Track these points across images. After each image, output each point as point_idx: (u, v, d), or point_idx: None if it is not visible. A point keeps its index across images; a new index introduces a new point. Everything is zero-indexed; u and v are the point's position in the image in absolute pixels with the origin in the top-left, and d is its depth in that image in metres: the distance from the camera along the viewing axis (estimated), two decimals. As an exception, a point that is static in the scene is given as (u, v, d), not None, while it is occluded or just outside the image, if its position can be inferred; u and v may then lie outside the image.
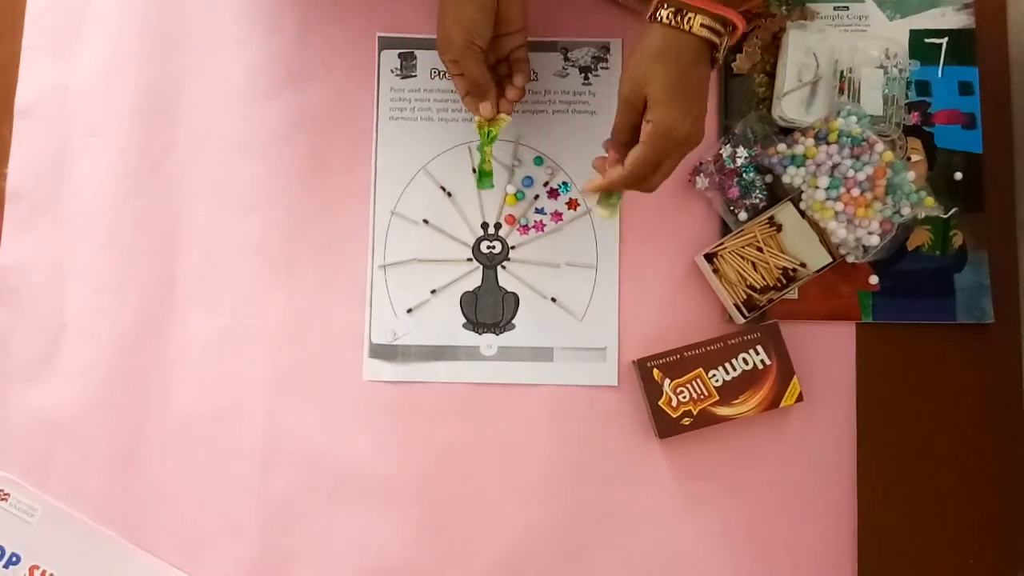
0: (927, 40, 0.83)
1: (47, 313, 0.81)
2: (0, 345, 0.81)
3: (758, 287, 0.79)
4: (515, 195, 0.82)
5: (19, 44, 0.83)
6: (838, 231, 0.77)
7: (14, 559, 0.77)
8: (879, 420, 0.79)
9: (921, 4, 0.83)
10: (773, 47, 0.82)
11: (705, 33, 0.62)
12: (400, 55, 0.84)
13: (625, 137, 0.67)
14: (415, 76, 0.83)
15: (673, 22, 0.62)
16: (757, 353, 0.78)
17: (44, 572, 0.77)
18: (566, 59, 0.83)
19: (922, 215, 0.79)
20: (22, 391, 0.80)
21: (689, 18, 0.62)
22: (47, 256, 0.81)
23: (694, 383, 0.77)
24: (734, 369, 0.78)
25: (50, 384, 0.80)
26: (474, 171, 0.82)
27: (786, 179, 0.79)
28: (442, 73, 0.83)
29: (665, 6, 0.62)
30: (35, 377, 0.80)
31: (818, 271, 0.79)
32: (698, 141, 0.66)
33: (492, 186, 0.82)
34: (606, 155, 0.69)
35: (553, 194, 0.82)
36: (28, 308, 0.81)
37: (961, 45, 0.83)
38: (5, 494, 0.78)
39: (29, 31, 0.84)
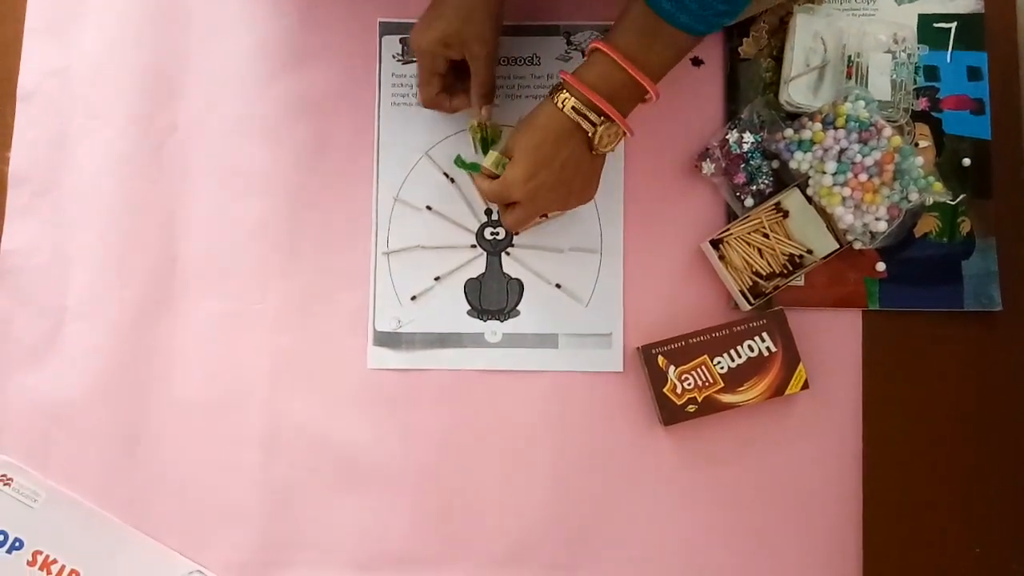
0: (936, 25, 0.82)
1: (49, 297, 0.81)
2: (1, 329, 0.81)
3: (764, 274, 0.78)
4: (519, 181, 0.82)
5: (21, 26, 0.83)
6: (845, 217, 0.77)
7: (17, 544, 0.77)
8: (885, 408, 0.79)
9: (930, -12, 0.82)
10: (780, 31, 0.81)
11: (574, 116, 0.67)
12: (402, 40, 0.83)
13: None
14: (416, 61, 0.83)
15: (555, 98, 0.68)
16: (763, 340, 0.77)
17: (47, 557, 0.77)
18: (568, 43, 0.83)
19: (930, 201, 0.79)
20: (24, 375, 0.80)
21: (565, 99, 0.67)
22: (48, 239, 0.81)
23: (699, 370, 0.77)
24: (739, 356, 0.77)
25: (52, 368, 0.80)
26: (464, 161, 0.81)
27: (793, 164, 0.78)
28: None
29: (562, 88, 0.68)
30: (37, 361, 0.80)
31: (825, 258, 0.78)
32: (543, 208, 0.72)
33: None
34: None
35: (557, 180, 0.82)
36: (30, 292, 0.81)
37: (970, 30, 0.82)
38: (8, 479, 0.78)
39: (31, 13, 0.83)
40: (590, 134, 0.67)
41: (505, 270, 0.81)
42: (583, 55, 0.82)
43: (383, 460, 0.79)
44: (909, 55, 0.80)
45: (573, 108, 0.66)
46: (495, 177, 0.72)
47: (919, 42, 0.81)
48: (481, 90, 0.75)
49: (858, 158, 0.76)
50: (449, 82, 0.75)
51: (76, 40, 0.83)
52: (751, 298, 0.78)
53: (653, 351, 0.77)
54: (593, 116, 0.67)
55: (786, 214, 0.79)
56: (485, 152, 0.81)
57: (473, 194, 0.82)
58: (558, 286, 0.81)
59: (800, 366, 0.77)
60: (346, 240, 0.81)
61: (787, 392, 0.77)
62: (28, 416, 0.80)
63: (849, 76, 0.79)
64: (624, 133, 0.69)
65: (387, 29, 0.83)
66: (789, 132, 0.78)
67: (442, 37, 0.71)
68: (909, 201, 0.78)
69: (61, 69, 0.83)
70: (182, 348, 0.80)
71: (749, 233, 0.79)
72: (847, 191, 0.77)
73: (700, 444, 0.79)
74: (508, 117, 0.81)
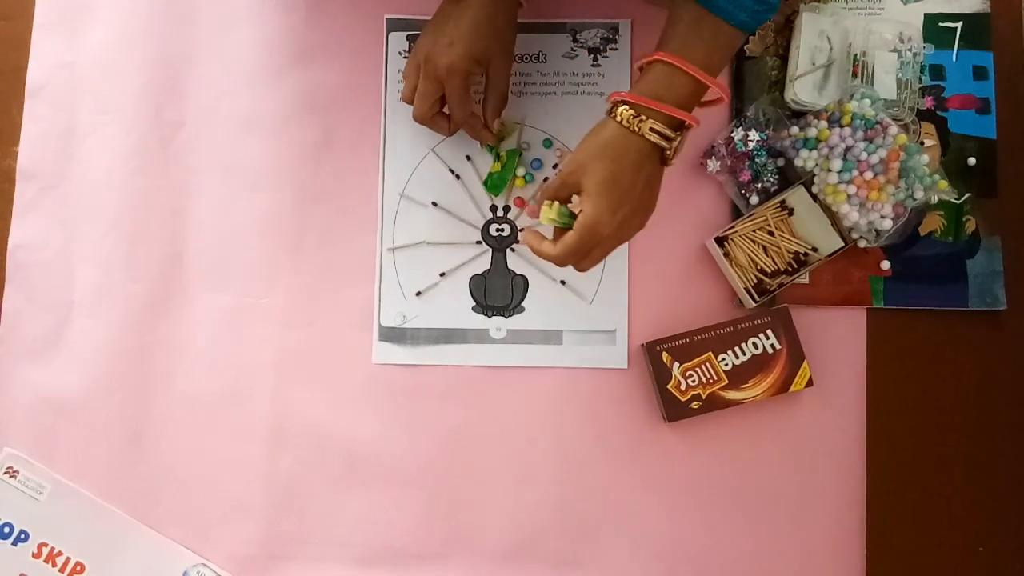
0: (941, 24, 0.82)
1: (55, 291, 0.81)
2: (9, 323, 0.81)
3: (769, 271, 0.78)
4: (524, 177, 0.82)
5: (30, 23, 0.84)
6: (850, 214, 0.77)
7: (23, 536, 0.77)
8: (889, 406, 0.79)
9: (936, -13, 0.82)
10: (786, 30, 0.81)
11: (654, 138, 0.62)
12: (408, 37, 0.83)
13: (551, 196, 0.66)
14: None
15: (625, 121, 0.62)
16: (767, 337, 0.77)
17: (52, 549, 0.77)
18: (575, 40, 0.83)
19: (935, 199, 0.79)
20: (30, 369, 0.80)
21: (641, 120, 0.62)
22: (56, 234, 0.82)
23: (703, 367, 0.77)
24: (744, 353, 0.77)
25: (58, 362, 0.80)
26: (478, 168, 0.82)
27: (798, 162, 0.79)
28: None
29: (624, 105, 0.63)
30: (43, 355, 0.80)
31: (830, 255, 0.78)
32: (626, 238, 0.66)
33: (499, 192, 0.82)
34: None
35: (563, 176, 0.82)
36: (37, 286, 0.81)
37: (976, 29, 0.82)
38: (14, 471, 0.79)
39: (40, 9, 0.84)
40: (668, 150, 0.64)
41: (510, 266, 0.81)
42: (589, 53, 0.82)
43: (388, 455, 0.79)
44: (915, 54, 0.80)
45: (652, 130, 0.62)
46: (564, 227, 0.66)
47: (925, 41, 0.82)
48: (499, 103, 0.75)
49: (863, 156, 0.76)
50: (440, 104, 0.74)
51: (85, 35, 0.84)
52: (756, 295, 0.78)
53: (657, 348, 0.77)
54: (672, 132, 0.63)
55: (791, 212, 0.79)
56: (491, 150, 0.81)
57: (478, 191, 0.82)
58: (563, 283, 0.81)
59: (804, 364, 0.77)
60: (352, 236, 0.82)
61: (791, 389, 0.77)
62: (35, 410, 0.80)
63: (855, 75, 0.79)
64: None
65: (394, 26, 0.83)
66: (795, 130, 0.79)
67: (473, 54, 0.70)
68: (914, 199, 0.78)
69: (69, 64, 0.83)
70: (188, 343, 0.81)
71: (754, 231, 0.79)
72: (852, 189, 0.77)
73: (704, 441, 0.79)
74: (514, 114, 0.82)
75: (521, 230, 0.82)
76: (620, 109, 0.63)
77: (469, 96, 0.73)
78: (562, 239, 0.64)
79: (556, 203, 0.65)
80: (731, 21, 0.62)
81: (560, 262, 0.65)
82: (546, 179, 0.82)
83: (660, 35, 0.64)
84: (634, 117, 0.62)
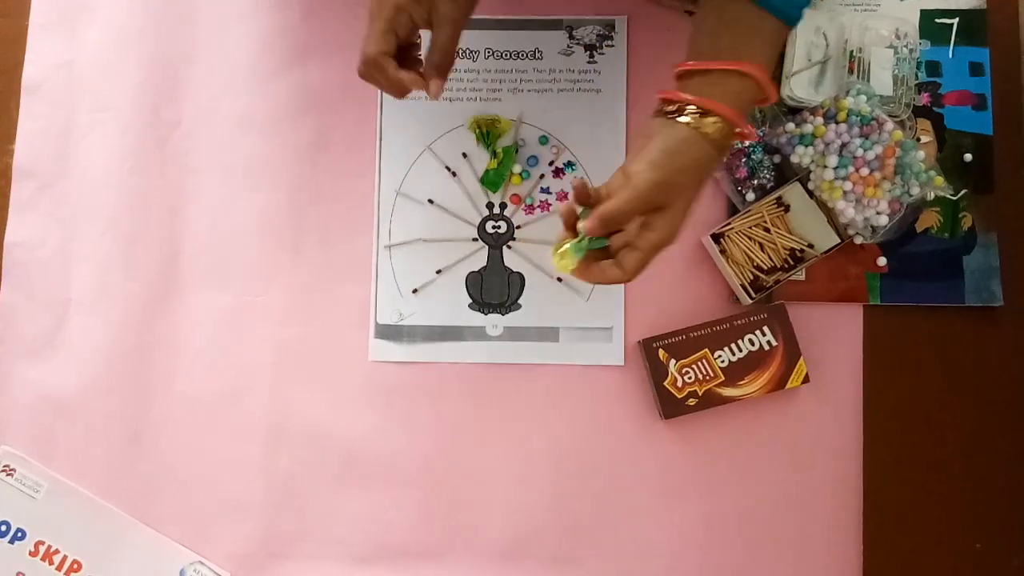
0: (938, 20, 0.82)
1: (53, 290, 0.81)
2: (6, 321, 0.81)
3: (765, 268, 0.78)
4: (520, 174, 0.82)
5: (26, 21, 0.84)
6: (847, 211, 0.77)
7: (19, 534, 0.78)
8: (886, 403, 0.79)
9: (932, -17, 0.82)
10: (782, 26, 0.81)
11: (726, 149, 0.60)
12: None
13: (626, 214, 0.59)
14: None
15: (720, 137, 0.58)
16: (763, 334, 0.77)
17: (49, 547, 0.78)
18: (571, 37, 0.83)
19: (931, 195, 0.79)
20: (28, 368, 0.80)
21: (725, 132, 0.58)
22: (53, 233, 0.82)
23: (700, 364, 0.77)
24: (740, 350, 0.77)
25: (55, 360, 0.80)
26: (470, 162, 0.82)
27: (794, 159, 0.79)
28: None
29: (719, 121, 0.58)
30: (41, 353, 0.81)
31: (826, 252, 0.78)
32: None
33: (495, 189, 0.82)
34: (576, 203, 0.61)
35: (558, 173, 0.82)
36: (34, 285, 0.81)
37: (972, 25, 0.82)
38: (11, 469, 0.79)
39: (36, 7, 0.84)
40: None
41: (506, 263, 0.81)
42: (585, 49, 0.82)
43: (385, 453, 0.79)
44: (911, 50, 0.80)
45: (734, 145, 0.61)
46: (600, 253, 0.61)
47: (921, 37, 0.82)
48: (438, 59, 0.64)
49: (859, 152, 0.76)
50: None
51: (82, 34, 0.84)
52: (752, 292, 0.78)
53: (654, 344, 0.77)
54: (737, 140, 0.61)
55: (787, 208, 0.79)
56: (488, 147, 0.81)
57: (475, 188, 0.82)
58: (559, 280, 0.81)
59: (801, 360, 0.77)
60: (348, 233, 0.82)
61: (788, 386, 0.77)
62: (33, 409, 0.80)
63: (851, 71, 0.79)
64: None
65: (390, 23, 0.83)
66: (791, 126, 0.79)
67: None
68: (910, 195, 0.78)
69: (67, 62, 0.83)
70: (186, 341, 0.81)
71: (750, 227, 0.79)
72: (848, 185, 0.77)
73: (700, 437, 0.79)
74: (510, 111, 0.82)
75: (518, 230, 0.82)
76: (718, 124, 0.58)
77: (388, 35, 0.62)
78: (631, 262, 0.59)
79: (566, 248, 0.60)
80: (784, 19, 0.59)
81: (630, 281, 0.61)
82: (542, 176, 0.82)
83: (711, 37, 0.60)
84: (725, 133, 0.58)
